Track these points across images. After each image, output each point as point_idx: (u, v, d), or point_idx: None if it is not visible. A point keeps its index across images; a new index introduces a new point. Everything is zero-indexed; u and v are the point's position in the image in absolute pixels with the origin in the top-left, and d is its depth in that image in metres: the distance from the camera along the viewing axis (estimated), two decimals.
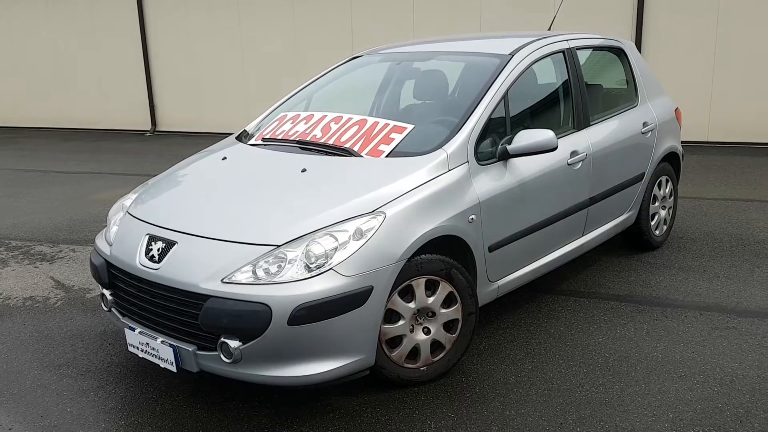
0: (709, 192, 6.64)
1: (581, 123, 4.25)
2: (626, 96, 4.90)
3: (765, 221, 5.65)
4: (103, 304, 3.50)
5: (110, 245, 3.47)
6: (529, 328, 3.88)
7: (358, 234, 2.95)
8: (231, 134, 4.35)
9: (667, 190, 5.15)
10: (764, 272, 4.58)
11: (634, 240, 5.04)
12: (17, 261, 5.28)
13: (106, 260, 3.42)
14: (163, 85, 11.66)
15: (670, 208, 5.24)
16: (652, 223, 5.04)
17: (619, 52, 4.91)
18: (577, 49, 4.40)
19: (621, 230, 4.79)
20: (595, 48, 4.77)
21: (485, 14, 9.53)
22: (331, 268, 2.87)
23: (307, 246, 2.91)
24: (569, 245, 4.22)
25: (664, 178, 5.09)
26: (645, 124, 4.77)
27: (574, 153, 4.06)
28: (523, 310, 4.12)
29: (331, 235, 2.94)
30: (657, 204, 5.06)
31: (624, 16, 9.00)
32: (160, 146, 10.61)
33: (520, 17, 9.28)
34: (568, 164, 4.01)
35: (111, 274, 3.39)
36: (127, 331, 3.27)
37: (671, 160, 5.16)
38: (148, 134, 11.71)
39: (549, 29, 5.22)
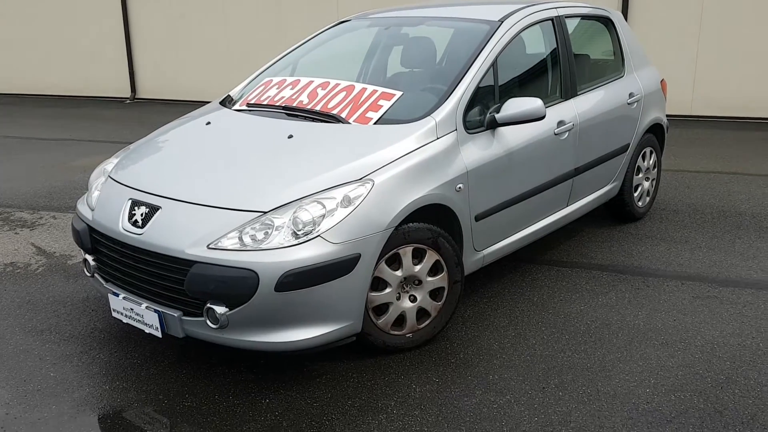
0: (691, 165, 6.69)
1: (568, 93, 4.24)
2: (613, 66, 4.89)
3: (746, 194, 5.71)
4: (85, 270, 3.47)
5: (92, 210, 3.42)
6: (512, 297, 3.91)
7: (346, 201, 2.94)
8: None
9: (651, 162, 5.17)
10: (745, 243, 4.64)
11: (617, 211, 5.07)
12: None
13: (88, 225, 3.38)
14: (143, 52, 11.44)
15: (653, 179, 5.27)
16: (636, 194, 5.07)
17: (607, 22, 4.89)
18: (566, 17, 4.37)
19: (605, 201, 4.82)
20: (584, 17, 4.74)
21: None
22: (318, 235, 2.85)
23: (294, 213, 2.89)
24: (554, 215, 4.24)
25: (648, 150, 5.11)
26: (631, 95, 4.77)
27: (561, 123, 4.05)
28: (507, 279, 4.14)
29: (319, 202, 2.92)
30: (641, 175, 5.08)
31: None
32: (140, 113, 10.45)
33: None
34: (555, 134, 4.00)
35: (93, 239, 3.35)
36: (110, 296, 3.24)
37: (656, 131, 5.17)
38: (127, 101, 11.52)
39: None
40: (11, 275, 4.31)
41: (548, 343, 3.39)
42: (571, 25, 4.48)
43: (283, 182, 3.03)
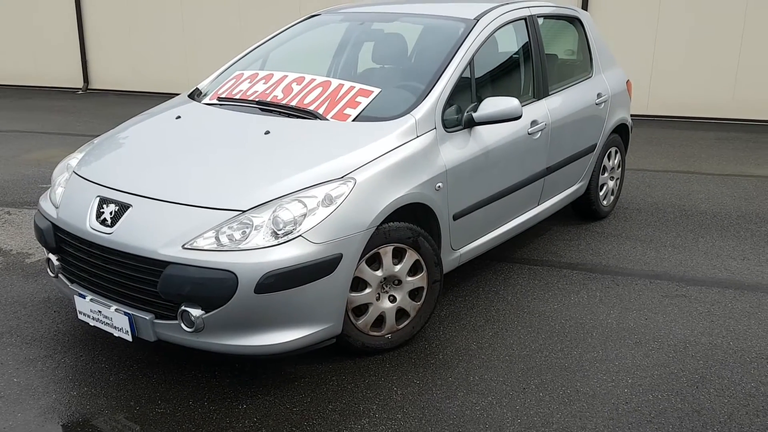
0: (651, 164, 6.82)
1: (541, 92, 4.25)
2: (581, 66, 4.93)
3: (706, 193, 5.85)
4: (49, 270, 3.32)
5: (56, 207, 3.27)
6: (487, 296, 3.90)
7: (328, 200, 2.87)
8: (171, 94, 4.14)
9: (615, 161, 5.25)
10: (708, 242, 4.75)
11: (583, 210, 5.13)
12: None
13: (52, 223, 3.23)
14: (96, 41, 11.05)
15: (617, 179, 5.35)
16: (601, 193, 5.13)
17: (576, 22, 4.93)
18: (537, 16, 4.38)
19: (572, 200, 4.86)
20: (554, 17, 4.76)
21: None
22: (300, 235, 2.78)
23: (274, 212, 2.81)
24: (526, 214, 4.25)
25: (613, 149, 5.18)
26: (599, 95, 4.82)
27: (534, 122, 4.06)
28: (481, 277, 4.14)
29: (300, 201, 2.85)
30: (606, 175, 5.15)
31: None
32: (94, 105, 10.11)
33: None
34: (528, 133, 4.01)
35: (58, 237, 3.20)
36: (76, 298, 3.11)
37: (621, 131, 5.25)
38: (80, 92, 11.13)
39: None
40: None
41: (525, 343, 3.39)
42: (542, 24, 4.50)
43: (262, 180, 2.94)
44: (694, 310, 3.74)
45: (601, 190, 5.12)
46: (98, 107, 9.90)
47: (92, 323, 3.08)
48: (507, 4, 4.22)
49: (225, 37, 10.18)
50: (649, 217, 5.25)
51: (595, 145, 4.86)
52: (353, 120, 3.33)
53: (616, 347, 3.36)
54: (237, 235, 2.79)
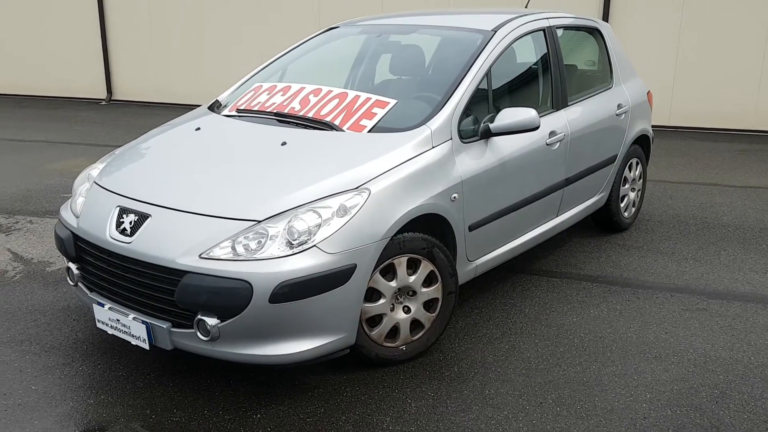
0: (673, 175, 6.75)
1: (560, 103, 4.23)
2: (601, 77, 4.90)
3: (728, 205, 5.77)
4: (68, 278, 3.35)
5: (77, 217, 3.31)
6: (504, 308, 3.87)
7: (342, 211, 2.88)
8: (194, 106, 4.19)
9: (636, 173, 5.20)
10: (730, 255, 4.67)
11: (603, 221, 5.08)
12: None
13: (72, 232, 3.27)
14: (119, 53, 11.23)
15: (639, 190, 5.30)
16: (622, 204, 5.08)
17: (596, 33, 4.90)
18: (556, 27, 4.37)
19: (592, 211, 4.82)
20: (574, 28, 4.74)
21: None
22: (314, 245, 2.79)
23: (289, 222, 2.82)
24: (544, 226, 4.22)
25: (634, 161, 5.13)
26: (619, 106, 4.78)
27: (552, 133, 4.04)
28: (498, 289, 4.11)
29: (315, 211, 2.86)
30: (627, 186, 5.10)
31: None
32: (116, 116, 10.25)
33: None
34: (547, 144, 3.99)
35: (78, 247, 3.24)
36: (95, 306, 3.14)
37: (642, 142, 5.20)
38: (103, 103, 11.30)
39: (526, 7, 5.18)
40: None
41: (543, 357, 3.36)
42: (561, 35, 4.48)
43: (278, 190, 2.96)
44: (715, 324, 3.68)
45: (621, 201, 5.08)
46: (120, 118, 10.04)
47: (110, 331, 3.10)
48: (525, 15, 4.22)
49: (248, 49, 10.28)
50: (670, 230, 5.18)
51: (616, 156, 4.82)
52: (369, 131, 3.33)
53: (636, 361, 3.31)
54: (253, 245, 2.80)
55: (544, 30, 4.25)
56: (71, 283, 3.34)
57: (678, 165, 7.17)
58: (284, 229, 2.81)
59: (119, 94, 11.41)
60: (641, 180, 5.30)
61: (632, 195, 5.20)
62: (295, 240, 2.79)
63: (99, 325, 3.15)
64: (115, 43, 11.20)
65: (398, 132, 3.31)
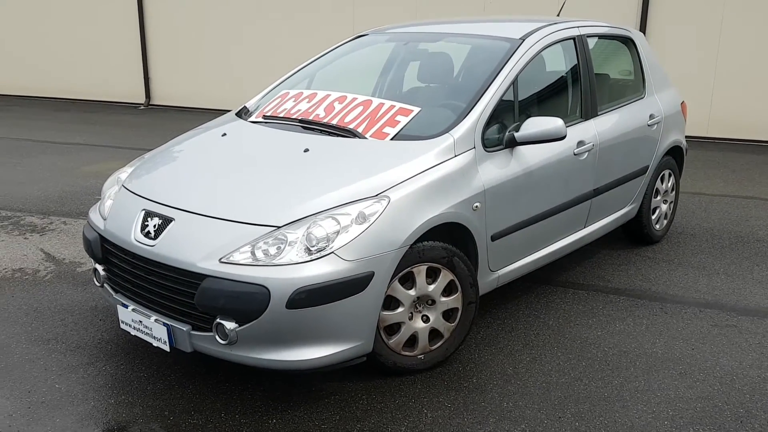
0: (708, 188, 6.60)
1: (589, 112, 4.17)
2: (633, 87, 4.82)
3: (765, 219, 5.61)
4: (95, 280, 3.42)
5: (104, 219, 3.38)
6: (527, 320, 3.83)
7: (361, 218, 2.88)
8: (227, 111, 4.25)
9: (669, 184, 5.10)
10: (764, 271, 4.54)
11: (634, 233, 4.99)
12: (7, 232, 5.17)
13: (99, 235, 3.34)
14: (159, 58, 11.44)
15: (671, 202, 5.19)
16: (653, 217, 4.99)
17: (629, 42, 4.83)
18: (587, 36, 4.31)
19: (622, 223, 4.74)
20: (605, 36, 4.68)
21: (488, 3, 9.40)
22: (332, 252, 2.79)
23: (308, 228, 2.84)
24: (571, 237, 4.16)
25: (666, 172, 5.03)
26: (651, 117, 4.70)
27: (580, 143, 3.99)
28: (522, 300, 4.06)
29: (333, 218, 2.86)
30: (659, 198, 5.00)
31: (629, 6, 8.90)
32: (153, 120, 10.45)
33: (524, 5, 9.15)
34: (575, 154, 3.94)
35: (104, 249, 3.30)
36: (119, 307, 3.19)
37: (675, 153, 5.10)
38: (141, 107, 11.52)
39: (558, 15, 5.13)
40: (19, 281, 4.26)
41: (564, 370, 3.30)
42: (593, 44, 4.43)
43: (298, 197, 2.98)
44: (744, 342, 3.58)
45: (653, 213, 4.98)
46: (157, 122, 10.22)
47: (133, 332, 3.15)
48: (555, 23, 4.18)
49: (282, 56, 10.39)
50: (703, 243, 5.06)
51: (647, 167, 4.73)
52: (392, 138, 3.33)
53: (659, 377, 3.24)
54: (272, 251, 2.82)
55: (574, 39, 4.20)
56: (97, 284, 3.41)
57: (714, 177, 7.01)
58: (303, 236, 2.82)
59: (157, 99, 11.62)
60: (674, 192, 5.19)
61: (664, 207, 5.10)
62: (313, 246, 2.80)
63: (122, 326, 3.20)
64: (154, 49, 11.42)
65: (421, 140, 3.30)
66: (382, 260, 2.88)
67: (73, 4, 11.71)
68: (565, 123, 3.76)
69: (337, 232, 2.83)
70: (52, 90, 12.24)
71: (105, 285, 3.36)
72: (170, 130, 9.07)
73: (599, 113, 4.26)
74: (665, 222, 5.15)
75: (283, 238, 2.83)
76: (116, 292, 3.29)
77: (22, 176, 6.83)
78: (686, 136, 5.32)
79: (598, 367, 3.33)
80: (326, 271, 2.76)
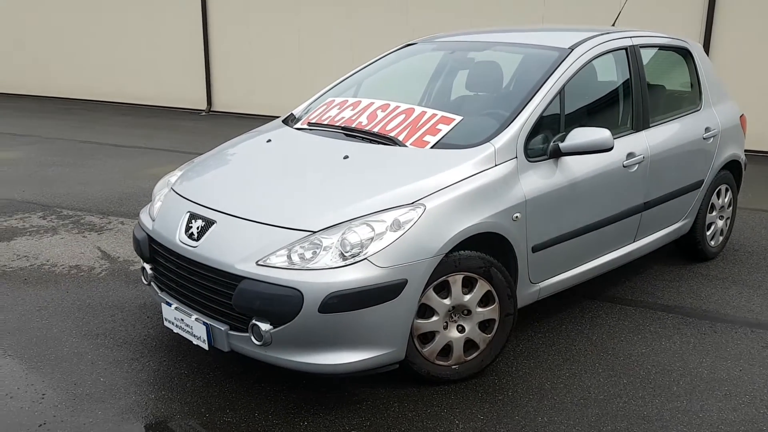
0: None
1: (640, 124, 4.08)
2: (690, 99, 4.69)
3: None
4: (143, 278, 3.54)
5: (153, 220, 3.49)
6: (569, 334, 3.75)
7: (396, 225, 2.89)
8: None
9: (726, 200, 4.92)
10: None
11: (688, 249, 4.84)
12: (67, 230, 5.40)
13: (148, 235, 3.45)
14: (220, 66, 11.78)
15: (727, 218, 5.01)
16: (708, 233, 4.82)
17: (685, 53, 4.70)
18: (640, 47, 4.22)
19: (675, 238, 4.60)
20: (660, 47, 4.57)
21: (548, 10, 9.30)
22: (365, 258, 2.81)
23: (343, 234, 2.87)
24: (619, 251, 4.07)
25: (723, 187, 4.87)
26: (707, 130, 4.55)
27: (630, 155, 3.90)
28: (566, 314, 3.99)
29: (368, 225, 2.89)
30: (714, 213, 4.84)
31: (693, 16, 8.65)
32: (213, 126, 10.73)
33: (584, 15, 9.01)
34: (624, 166, 3.85)
35: (152, 248, 3.41)
36: (163, 305, 3.30)
37: (732, 168, 4.92)
38: (203, 114, 11.86)
39: (613, 25, 5.04)
40: (75, 278, 4.44)
41: (604, 387, 3.23)
42: (647, 54, 4.33)
43: (334, 203, 3.01)
44: None
45: (708, 229, 4.82)
46: (217, 128, 10.49)
47: (175, 330, 3.25)
48: (608, 33, 4.10)
49: (336, 65, 10.52)
50: (760, 261, 4.86)
51: (702, 181, 4.59)
52: (432, 147, 3.33)
53: (703, 398, 3.13)
54: (308, 255, 2.86)
55: (626, 49, 4.11)
56: (145, 282, 3.52)
57: None
58: (338, 241, 2.85)
59: (218, 106, 11.94)
60: (731, 207, 5.01)
61: (720, 223, 4.93)
62: (347, 252, 2.83)
63: (165, 323, 3.30)
64: (217, 58, 11.75)
65: (461, 149, 3.29)
66: (416, 268, 2.88)
67: (145, 20, 12.16)
68: (615, 134, 3.72)
69: (372, 239, 2.85)
70: (121, 95, 12.72)
71: (152, 283, 3.47)
72: (228, 136, 9.24)
73: (651, 125, 4.16)
74: (721, 238, 4.97)
75: (318, 242, 2.87)
76: (161, 290, 3.39)
77: (86, 177, 7.13)
78: (749, 150, 5.14)
79: (639, 385, 3.24)
80: (359, 277, 2.78)
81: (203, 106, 12.00)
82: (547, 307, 4.01)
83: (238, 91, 11.69)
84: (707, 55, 7.75)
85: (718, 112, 4.73)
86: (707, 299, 4.23)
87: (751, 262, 4.86)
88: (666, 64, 4.75)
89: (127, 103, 12.64)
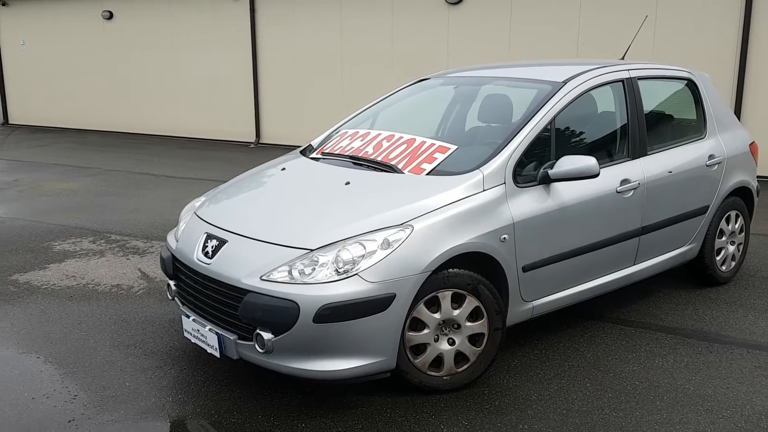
0: None
1: (636, 152, 4.26)
2: (694, 128, 4.84)
3: None
4: (168, 293, 3.91)
5: (177, 241, 3.87)
6: (565, 351, 3.93)
7: (386, 244, 3.18)
8: None
9: (736, 225, 5.01)
10: None
11: (698, 274, 4.94)
12: (113, 253, 5.88)
13: (172, 254, 3.83)
14: (268, 101, 12.39)
15: (740, 244, 5.09)
16: (718, 258, 4.92)
17: (690, 84, 4.87)
18: (638, 78, 4.42)
19: (681, 262, 4.72)
20: (661, 79, 4.75)
21: (582, 42, 9.51)
22: (356, 274, 3.10)
23: (338, 252, 3.17)
24: (617, 273, 4.23)
25: (733, 213, 4.96)
26: (711, 157, 4.69)
27: (625, 181, 4.09)
28: (565, 333, 4.16)
29: (361, 244, 3.18)
30: (724, 238, 4.93)
31: (727, 44, 8.72)
32: (259, 157, 11.18)
33: (617, 47, 9.17)
34: (618, 192, 4.04)
35: (175, 266, 3.78)
36: (183, 318, 3.65)
37: (743, 194, 5.02)
38: (252, 146, 12.45)
39: (622, 58, 5.25)
40: (114, 295, 4.87)
41: (589, 399, 3.40)
42: (647, 85, 4.51)
43: (332, 223, 3.32)
44: None
45: (718, 254, 4.92)
46: (263, 159, 10.90)
47: (193, 340, 3.59)
48: (605, 66, 4.32)
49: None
50: None
51: (708, 207, 4.71)
52: (427, 174, 3.62)
53: (683, 412, 3.26)
54: (307, 270, 3.17)
55: (623, 81, 4.32)
56: (169, 297, 3.90)
57: None
58: (333, 258, 3.16)
59: (266, 138, 12.52)
60: (743, 233, 5.09)
61: (731, 248, 5.01)
62: (341, 268, 3.13)
63: (185, 334, 3.65)
64: (265, 93, 12.37)
65: (453, 175, 3.56)
66: (404, 283, 3.15)
67: (197, 51, 12.91)
68: (609, 162, 3.96)
69: (363, 256, 3.14)
70: (182, 130, 13.46)
71: (175, 298, 3.84)
72: None
73: (649, 152, 4.34)
74: (733, 264, 5.05)
75: (316, 259, 3.18)
76: (183, 304, 3.76)
77: (136, 205, 7.67)
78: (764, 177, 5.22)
79: (623, 399, 3.40)
80: (350, 291, 3.08)
81: (252, 138, 12.60)
82: (547, 326, 4.19)
83: (285, 123, 12.26)
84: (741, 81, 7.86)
85: (724, 139, 4.86)
86: (710, 321, 4.34)
87: (764, 287, 4.92)
88: (670, 95, 4.92)
89: (185, 137, 13.37)
